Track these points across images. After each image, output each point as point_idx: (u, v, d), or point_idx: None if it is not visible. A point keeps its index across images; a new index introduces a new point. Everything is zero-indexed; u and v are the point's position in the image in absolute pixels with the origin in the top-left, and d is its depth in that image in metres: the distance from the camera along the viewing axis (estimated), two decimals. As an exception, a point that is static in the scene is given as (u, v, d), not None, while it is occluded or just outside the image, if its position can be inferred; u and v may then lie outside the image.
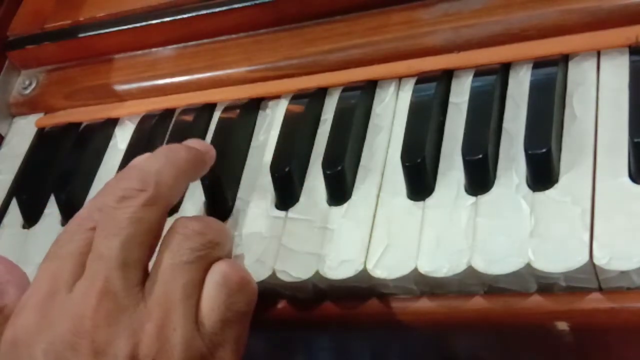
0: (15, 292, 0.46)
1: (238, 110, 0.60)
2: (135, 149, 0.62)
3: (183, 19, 0.65)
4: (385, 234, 0.50)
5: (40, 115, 0.70)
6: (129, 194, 0.45)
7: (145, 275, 0.44)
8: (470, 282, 0.47)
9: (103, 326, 0.42)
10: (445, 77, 0.55)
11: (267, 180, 0.55)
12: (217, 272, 0.45)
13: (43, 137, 0.69)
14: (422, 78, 0.56)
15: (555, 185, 0.47)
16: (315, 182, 0.54)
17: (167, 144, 0.52)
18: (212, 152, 0.53)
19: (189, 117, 0.62)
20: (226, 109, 0.61)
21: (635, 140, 0.45)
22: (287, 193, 0.54)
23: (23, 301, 0.44)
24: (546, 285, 0.46)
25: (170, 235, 0.45)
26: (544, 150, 0.47)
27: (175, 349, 0.42)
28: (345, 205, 0.52)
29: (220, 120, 0.61)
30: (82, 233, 0.46)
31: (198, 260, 0.45)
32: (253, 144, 0.59)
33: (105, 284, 0.43)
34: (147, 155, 0.49)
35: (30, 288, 0.45)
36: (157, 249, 0.46)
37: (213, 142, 0.59)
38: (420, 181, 0.51)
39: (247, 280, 0.46)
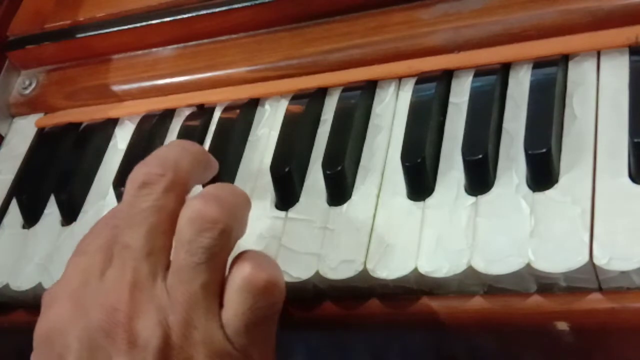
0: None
1: (238, 110, 0.60)
2: (135, 149, 0.62)
3: (183, 19, 0.65)
4: (386, 234, 0.50)
5: (40, 115, 0.70)
6: (149, 179, 0.45)
7: (169, 260, 0.44)
8: (470, 282, 0.47)
9: (135, 317, 0.42)
10: (445, 77, 0.55)
11: (267, 180, 0.55)
12: (239, 276, 0.44)
13: (43, 137, 0.69)
14: (422, 78, 0.56)
15: (555, 185, 0.47)
16: (315, 182, 0.54)
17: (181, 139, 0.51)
18: (216, 163, 0.52)
19: (188, 117, 0.62)
20: (226, 109, 0.61)
21: (635, 140, 0.45)
22: (287, 193, 0.54)
23: (53, 293, 0.45)
24: (546, 285, 0.46)
25: (183, 228, 0.44)
26: (544, 150, 0.47)
27: (198, 347, 0.42)
28: (345, 205, 0.52)
29: (220, 120, 0.61)
30: (108, 229, 0.46)
31: (213, 258, 0.44)
32: (252, 144, 0.59)
33: (134, 274, 0.43)
34: (162, 146, 0.49)
35: (61, 281, 0.46)
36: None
37: (213, 142, 0.60)
38: (420, 181, 0.51)
39: (273, 282, 0.44)
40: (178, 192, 0.45)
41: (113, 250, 0.45)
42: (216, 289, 0.44)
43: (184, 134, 0.61)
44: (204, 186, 0.54)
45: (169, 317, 0.43)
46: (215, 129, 0.61)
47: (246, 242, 0.53)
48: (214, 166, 0.52)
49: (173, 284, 0.43)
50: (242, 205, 0.47)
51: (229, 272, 0.44)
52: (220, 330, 0.43)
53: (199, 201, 0.44)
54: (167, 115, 0.64)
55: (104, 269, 0.44)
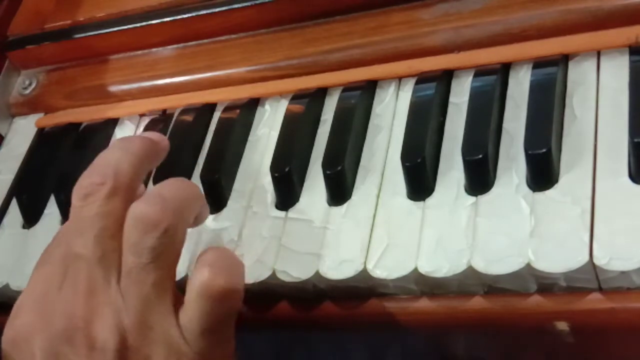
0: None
1: (238, 110, 0.60)
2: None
3: (183, 19, 0.65)
4: (385, 234, 0.50)
5: (40, 115, 0.70)
6: (90, 189, 0.46)
7: (120, 261, 0.45)
8: (470, 282, 0.47)
9: (92, 321, 0.44)
10: (445, 77, 0.55)
11: (267, 180, 0.55)
12: (197, 281, 0.45)
13: (43, 137, 0.69)
14: (422, 78, 0.56)
15: (555, 186, 0.47)
16: (315, 182, 0.54)
17: (121, 137, 0.52)
18: (165, 142, 0.53)
19: (189, 117, 0.62)
20: (226, 109, 0.61)
21: (635, 140, 0.45)
22: (287, 193, 0.54)
23: (19, 303, 0.47)
24: (546, 285, 0.46)
25: (127, 231, 0.45)
26: (544, 150, 0.47)
27: (154, 346, 0.44)
28: (345, 205, 0.52)
29: (220, 120, 0.61)
30: (64, 241, 0.47)
31: (160, 256, 0.45)
32: (252, 144, 0.59)
33: (88, 281, 0.45)
34: (103, 152, 0.50)
35: (25, 291, 0.47)
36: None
37: (213, 142, 0.60)
38: (420, 181, 0.51)
39: (231, 289, 0.45)
40: (121, 196, 0.46)
41: (68, 261, 0.46)
42: (168, 286, 0.45)
43: (182, 132, 0.61)
44: (202, 180, 0.55)
45: (125, 319, 0.44)
46: (215, 129, 0.61)
47: (246, 242, 0.53)
48: (162, 149, 0.52)
49: (125, 286, 0.44)
50: (188, 198, 0.48)
51: (193, 271, 0.45)
52: (176, 329, 0.44)
53: (142, 203, 0.46)
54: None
55: (62, 279, 0.45)
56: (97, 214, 0.46)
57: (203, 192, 0.52)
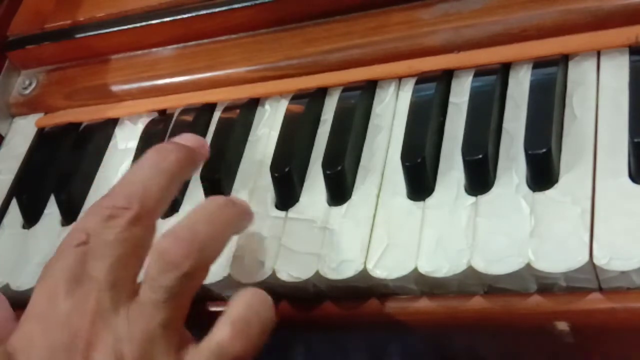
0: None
1: (238, 110, 0.60)
2: (138, 151, 0.62)
3: (183, 19, 0.65)
4: (385, 234, 0.50)
5: (40, 115, 0.70)
6: (114, 213, 0.45)
7: (134, 289, 0.45)
8: (470, 282, 0.47)
9: (92, 344, 0.43)
10: (445, 77, 0.55)
11: (267, 180, 0.55)
12: (216, 339, 0.44)
13: (43, 137, 0.69)
14: (422, 78, 0.56)
15: (555, 185, 0.47)
16: (315, 182, 0.54)
17: (156, 146, 0.50)
18: (206, 147, 0.52)
19: (189, 117, 0.62)
20: (226, 109, 0.61)
21: (635, 140, 0.45)
22: (287, 193, 0.54)
23: (23, 316, 0.46)
24: (546, 285, 0.46)
25: (149, 263, 0.45)
26: (544, 150, 0.47)
27: None
28: (345, 205, 0.52)
29: (220, 120, 0.61)
30: (70, 250, 0.46)
31: (174, 297, 0.44)
32: (252, 144, 0.59)
33: (96, 304, 0.44)
34: (134, 167, 0.49)
35: (29, 305, 0.46)
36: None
37: (213, 142, 0.60)
38: (420, 181, 0.51)
39: (246, 356, 0.44)
40: (145, 223, 0.46)
41: (76, 274, 0.45)
42: (176, 327, 0.44)
43: (182, 132, 0.61)
44: (202, 180, 0.55)
45: (125, 347, 0.43)
46: (215, 129, 0.61)
47: (246, 242, 0.53)
48: (200, 156, 0.51)
49: (134, 315, 0.44)
50: (223, 230, 0.47)
51: (214, 327, 0.44)
52: None
53: (169, 239, 0.45)
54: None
55: (68, 295, 0.45)
56: (116, 239, 0.45)
57: (249, 209, 0.51)
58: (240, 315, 0.45)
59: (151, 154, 0.49)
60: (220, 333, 0.44)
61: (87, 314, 0.44)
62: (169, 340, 0.44)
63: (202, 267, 0.45)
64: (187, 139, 0.51)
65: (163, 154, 0.49)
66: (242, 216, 0.50)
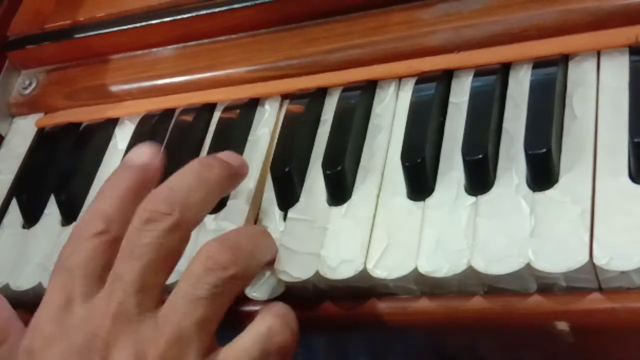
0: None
1: (238, 110, 0.60)
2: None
3: (183, 19, 0.65)
4: (385, 234, 0.50)
5: (40, 115, 0.70)
6: (154, 217, 0.45)
7: (160, 298, 0.45)
8: (470, 282, 0.47)
9: (112, 346, 0.43)
10: (445, 77, 0.55)
11: (267, 180, 0.55)
12: (264, 325, 0.44)
13: (43, 137, 0.69)
14: (422, 78, 0.56)
15: (555, 185, 0.47)
16: (315, 182, 0.54)
17: (202, 157, 0.50)
18: (246, 167, 0.52)
19: (189, 117, 0.62)
20: (226, 109, 0.61)
21: (635, 140, 0.45)
22: (287, 193, 0.54)
23: (37, 314, 0.46)
24: (546, 285, 0.46)
25: (194, 263, 0.45)
26: (544, 150, 0.47)
27: None
28: (345, 205, 0.52)
29: (220, 120, 0.61)
30: (85, 241, 0.46)
31: (215, 296, 0.44)
32: (252, 144, 0.59)
33: (120, 306, 0.43)
34: (179, 172, 0.49)
35: (42, 303, 0.46)
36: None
37: (213, 142, 0.60)
38: (420, 181, 0.51)
39: (289, 345, 0.45)
40: (183, 231, 0.46)
41: (94, 268, 0.45)
42: (210, 331, 0.44)
43: (182, 132, 0.61)
44: None
45: (149, 350, 0.42)
46: (215, 129, 0.61)
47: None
48: (241, 175, 0.52)
49: (165, 315, 0.44)
50: (262, 251, 0.48)
51: (257, 317, 0.45)
52: None
53: (216, 244, 0.45)
54: (168, 114, 0.64)
55: (87, 293, 0.45)
56: (151, 243, 0.44)
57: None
58: (282, 310, 0.45)
59: (195, 164, 0.49)
60: (264, 322, 0.44)
61: (108, 315, 0.43)
62: (200, 342, 0.43)
63: (245, 278, 0.46)
64: (229, 156, 0.51)
65: (207, 167, 0.49)
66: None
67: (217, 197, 0.49)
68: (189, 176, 0.48)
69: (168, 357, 0.42)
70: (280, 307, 0.46)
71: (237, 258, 0.45)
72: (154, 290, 0.44)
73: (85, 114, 0.67)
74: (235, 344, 0.44)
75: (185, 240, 0.46)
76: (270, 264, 0.50)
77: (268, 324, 0.45)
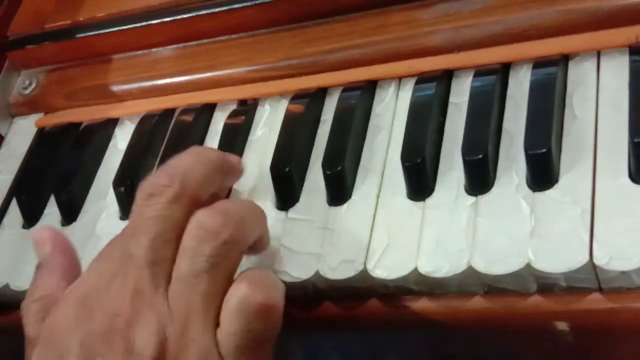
0: (58, 281, 0.48)
1: (237, 111, 0.61)
2: (135, 149, 0.62)
3: (183, 19, 0.65)
4: (385, 234, 0.50)
5: (40, 115, 0.70)
6: (156, 190, 0.46)
7: (171, 273, 0.45)
8: (470, 282, 0.47)
9: (134, 324, 0.43)
10: (445, 77, 0.55)
11: (267, 180, 0.55)
12: (235, 295, 0.44)
13: (43, 137, 0.69)
14: (422, 78, 0.56)
15: (555, 185, 0.47)
16: (315, 182, 0.54)
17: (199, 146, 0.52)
18: (242, 164, 0.53)
19: (189, 117, 0.62)
20: (225, 109, 0.61)
21: (635, 140, 0.45)
22: (287, 193, 0.54)
23: (67, 293, 0.46)
24: (546, 285, 0.46)
25: (186, 236, 0.45)
26: (544, 150, 0.47)
27: (192, 359, 0.42)
28: (345, 205, 0.52)
29: (217, 120, 0.61)
30: (119, 237, 0.47)
31: (215, 267, 0.44)
32: (252, 144, 0.59)
33: (136, 282, 0.44)
34: (176, 156, 0.49)
35: (77, 282, 0.46)
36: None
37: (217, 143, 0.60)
38: (420, 181, 0.51)
39: (269, 305, 0.44)
40: (184, 202, 0.46)
41: (121, 258, 0.45)
42: (216, 302, 0.44)
43: (182, 132, 0.61)
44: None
45: (168, 326, 0.43)
46: (215, 129, 0.61)
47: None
48: (237, 170, 0.53)
49: (174, 292, 0.44)
50: (252, 219, 0.47)
51: (230, 288, 0.44)
52: (214, 345, 0.43)
53: (205, 212, 0.45)
54: (168, 114, 0.64)
55: (112, 277, 0.45)
56: (156, 216, 0.45)
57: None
58: (252, 274, 0.45)
59: (193, 148, 0.50)
60: (237, 290, 0.44)
61: (127, 294, 0.43)
62: (208, 312, 0.43)
63: (240, 239, 0.45)
64: (226, 154, 0.53)
65: (205, 150, 0.52)
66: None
67: (217, 178, 0.50)
68: (186, 156, 0.49)
69: (186, 334, 0.43)
70: (250, 272, 0.46)
71: (227, 221, 0.45)
72: (166, 263, 0.44)
73: (85, 114, 0.68)
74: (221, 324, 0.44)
75: (188, 212, 0.46)
76: (262, 245, 0.50)
77: (238, 295, 0.44)
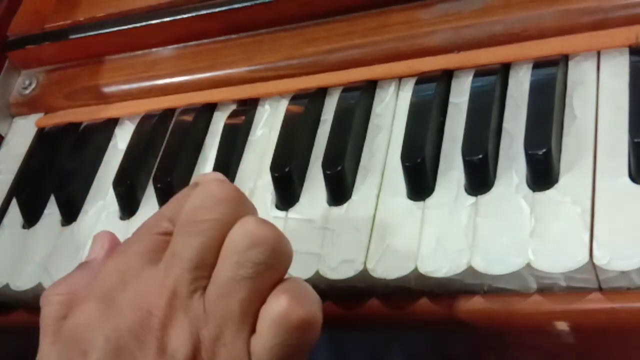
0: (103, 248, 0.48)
1: (237, 111, 0.61)
2: (135, 149, 0.62)
3: (183, 19, 0.65)
4: (385, 234, 0.50)
5: (40, 115, 0.70)
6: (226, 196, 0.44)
7: (210, 277, 0.44)
8: (470, 282, 0.47)
9: (168, 325, 0.42)
10: (445, 77, 0.55)
11: (267, 180, 0.55)
12: (275, 308, 0.42)
13: (43, 137, 0.69)
14: (422, 78, 0.56)
15: (555, 185, 0.47)
16: (315, 182, 0.54)
17: None
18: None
19: (189, 117, 0.62)
20: (224, 109, 0.61)
21: (635, 140, 0.45)
22: (287, 193, 0.54)
23: (89, 290, 0.45)
24: (546, 285, 0.46)
25: (234, 239, 0.43)
26: (544, 150, 0.47)
27: None
28: (345, 205, 0.52)
29: (217, 120, 0.61)
30: (150, 235, 0.45)
31: (259, 275, 0.43)
32: (252, 144, 0.59)
33: (175, 282, 0.43)
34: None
35: (97, 278, 0.45)
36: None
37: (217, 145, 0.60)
38: (420, 181, 0.51)
39: (308, 322, 0.42)
40: (239, 216, 0.44)
41: (156, 258, 0.44)
42: (253, 310, 0.43)
43: (182, 132, 0.61)
44: None
45: (202, 330, 0.42)
46: (214, 129, 0.61)
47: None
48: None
49: (211, 295, 0.43)
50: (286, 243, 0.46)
51: (268, 298, 0.43)
52: (246, 354, 0.42)
53: (254, 219, 0.44)
54: (168, 114, 0.64)
55: (142, 272, 0.44)
56: (215, 220, 0.43)
57: None
58: (292, 286, 0.43)
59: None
60: (277, 303, 0.42)
61: (164, 293, 0.42)
62: (245, 321, 0.42)
63: (285, 252, 0.44)
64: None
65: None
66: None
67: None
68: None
69: (220, 339, 0.42)
70: (289, 284, 0.44)
71: (277, 232, 0.43)
72: (208, 270, 0.43)
73: (85, 114, 0.68)
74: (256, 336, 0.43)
75: (235, 219, 0.44)
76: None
77: (278, 308, 0.42)
